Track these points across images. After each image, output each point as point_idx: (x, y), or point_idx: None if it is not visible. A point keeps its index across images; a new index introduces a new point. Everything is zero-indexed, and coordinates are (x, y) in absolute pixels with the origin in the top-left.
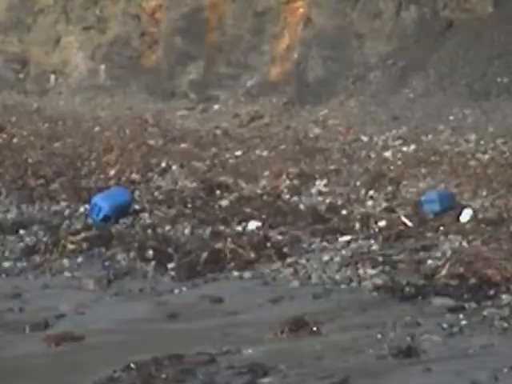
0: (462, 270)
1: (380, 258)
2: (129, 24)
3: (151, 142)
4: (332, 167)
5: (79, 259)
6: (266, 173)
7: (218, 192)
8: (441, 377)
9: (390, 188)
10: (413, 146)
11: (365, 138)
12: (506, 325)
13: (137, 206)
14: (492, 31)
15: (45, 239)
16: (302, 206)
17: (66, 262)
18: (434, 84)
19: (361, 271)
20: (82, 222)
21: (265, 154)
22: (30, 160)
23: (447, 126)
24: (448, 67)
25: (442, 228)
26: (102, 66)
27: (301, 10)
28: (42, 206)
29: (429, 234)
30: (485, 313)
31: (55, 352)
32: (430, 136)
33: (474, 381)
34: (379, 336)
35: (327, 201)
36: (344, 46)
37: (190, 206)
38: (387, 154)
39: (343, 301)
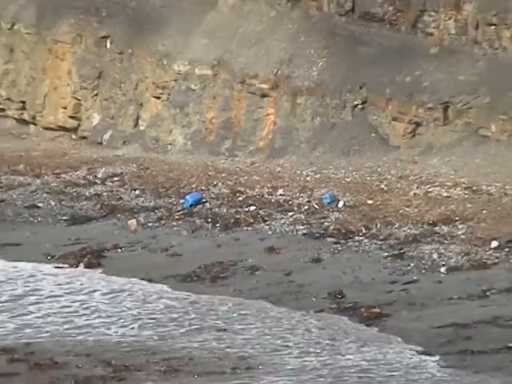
0: (339, 226)
1: (305, 221)
2: (200, 124)
3: (210, 173)
4: (285, 183)
5: (179, 222)
6: (258, 185)
7: (237, 194)
8: (330, 271)
9: (309, 192)
10: (319, 175)
11: (298, 171)
12: (357, 249)
13: (204, 200)
14: (350, 129)
15: (166, 214)
16: (272, 200)
17: (174, 223)
18: (328, 150)
19: (297, 227)
20: (180, 207)
21: (257, 178)
22: (159, 181)
23: (333, 167)
24: (333, 143)
25: (330, 209)
26: (189, 142)
27: (272, 118)
28: (164, 199)
29: (325, 212)
30: (349, 244)
31: (171, 259)
32: (326, 170)
33: (344, 271)
34: (305, 253)
35: (283, 198)
36: (290, 133)
37: (225, 200)
38: (308, 178)
39: (290, 239)
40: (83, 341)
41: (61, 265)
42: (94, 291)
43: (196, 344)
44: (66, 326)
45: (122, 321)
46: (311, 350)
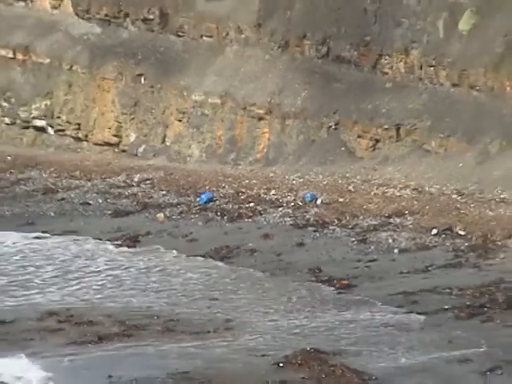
0: (317, 218)
1: (291, 215)
2: (212, 141)
3: (219, 178)
4: (277, 186)
5: (196, 215)
6: (256, 187)
7: (240, 193)
8: (311, 252)
9: (295, 192)
10: (302, 179)
11: (287, 177)
12: (331, 236)
13: (214, 199)
14: (326, 144)
15: (185, 209)
16: (267, 198)
17: (192, 216)
18: (309, 160)
19: (285, 219)
20: (197, 203)
21: (255, 181)
22: (180, 183)
23: (313, 173)
24: (313, 155)
25: (311, 205)
26: (204, 154)
27: (266, 136)
28: (185, 198)
29: (307, 207)
30: (325, 232)
31: (188, 244)
32: (308, 176)
33: (321, 252)
34: (291, 239)
35: (275, 196)
36: (280, 147)
37: (231, 198)
38: (294, 181)
39: (280, 228)
40: (109, 307)
41: (118, 242)
42: (131, 267)
43: (191, 310)
44: (98, 296)
45: (144, 292)
46: (289, 314)
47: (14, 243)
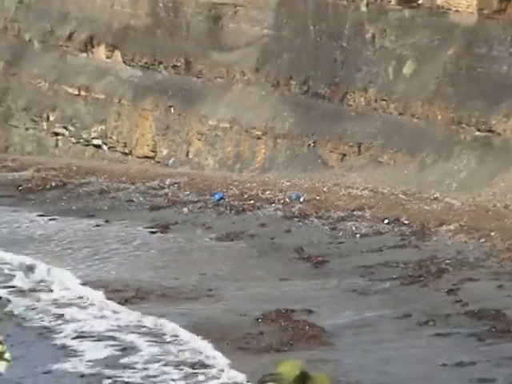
0: (301, 212)
1: (281, 209)
2: (223, 155)
3: (228, 182)
4: (270, 188)
5: (211, 209)
6: (255, 189)
7: (243, 194)
8: (296, 237)
9: (284, 192)
10: (289, 183)
11: (278, 181)
12: (311, 225)
13: (225, 197)
14: (307, 157)
15: (203, 204)
16: (263, 197)
17: (208, 210)
18: (295, 169)
19: (277, 212)
20: (212, 201)
21: (254, 185)
22: (200, 186)
23: (297, 178)
24: (297, 165)
25: (296, 202)
26: (217, 164)
27: (263, 151)
28: (203, 196)
29: (293, 204)
30: (306, 222)
31: (206, 230)
32: (293, 180)
33: (303, 237)
34: (281, 227)
35: (269, 196)
36: (273, 160)
37: (237, 197)
38: (283, 184)
39: (273, 219)
40: (129, 279)
41: (153, 230)
42: (153, 248)
43: (183, 281)
44: (121, 268)
45: (153, 268)
46: (263, 284)
47: (79, 227)
